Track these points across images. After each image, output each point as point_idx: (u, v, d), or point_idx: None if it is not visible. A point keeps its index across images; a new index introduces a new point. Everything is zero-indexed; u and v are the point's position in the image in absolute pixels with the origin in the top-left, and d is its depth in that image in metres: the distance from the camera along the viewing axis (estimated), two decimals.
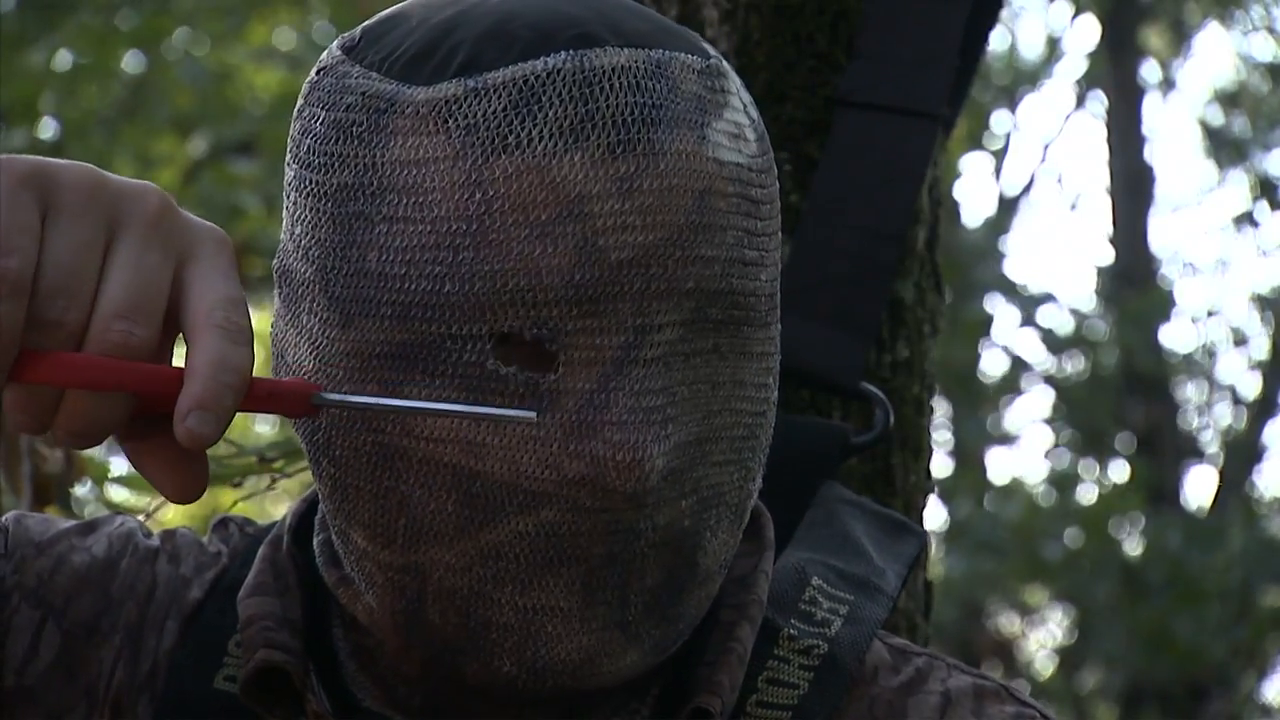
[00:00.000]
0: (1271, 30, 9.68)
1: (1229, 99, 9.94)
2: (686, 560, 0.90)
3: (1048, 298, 8.72)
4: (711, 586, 0.93)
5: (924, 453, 1.39)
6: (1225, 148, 9.85)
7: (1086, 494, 8.40)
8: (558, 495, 0.86)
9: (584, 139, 0.85)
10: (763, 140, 0.92)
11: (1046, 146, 11.08)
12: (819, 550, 1.05)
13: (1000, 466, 11.29)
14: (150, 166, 6.24)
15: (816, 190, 1.28)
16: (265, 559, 1.00)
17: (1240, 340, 9.38)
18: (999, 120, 9.70)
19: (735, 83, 0.92)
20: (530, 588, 0.88)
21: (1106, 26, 9.16)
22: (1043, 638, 8.89)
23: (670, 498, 0.88)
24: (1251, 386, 9.21)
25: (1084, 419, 8.91)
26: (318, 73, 0.92)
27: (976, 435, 8.65)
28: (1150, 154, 9.33)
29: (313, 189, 0.89)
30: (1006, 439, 9.16)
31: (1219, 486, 8.61)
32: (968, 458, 8.67)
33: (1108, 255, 9.40)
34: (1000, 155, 9.62)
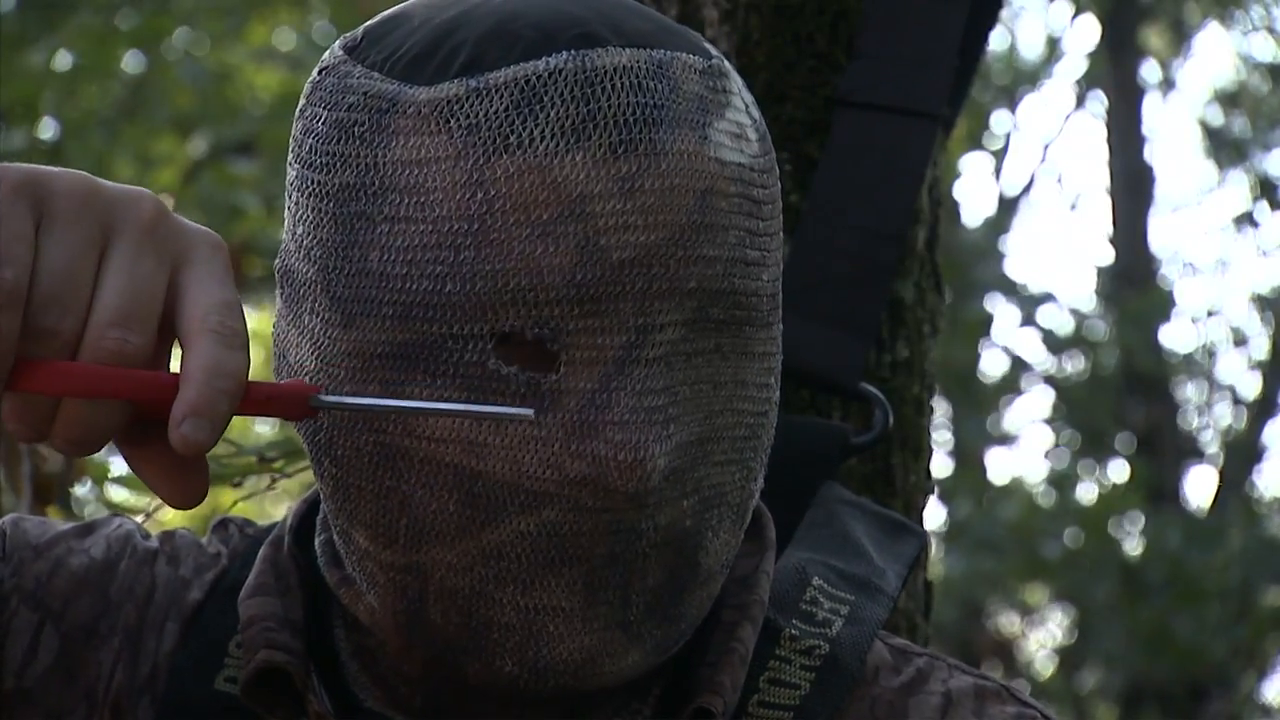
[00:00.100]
0: (1271, 30, 9.68)
1: (1229, 99, 9.94)
2: (688, 560, 0.90)
3: (1048, 297, 8.71)
4: (713, 586, 0.93)
5: (924, 453, 1.39)
6: (1225, 148, 9.85)
7: (1087, 494, 8.40)
8: (559, 495, 0.86)
9: (586, 139, 0.85)
10: (764, 140, 0.92)
11: (1046, 146, 11.08)
12: (819, 550, 1.05)
13: (1000, 466, 11.29)
14: (150, 166, 6.23)
15: (816, 190, 1.28)
16: (266, 560, 1.00)
17: (1240, 340, 9.38)
18: (999, 120, 9.70)
19: (737, 83, 0.92)
20: (532, 588, 0.88)
21: (1106, 26, 9.16)
22: (1043, 638, 8.89)
23: (672, 498, 0.88)
24: (1251, 386, 9.21)
25: (1084, 419, 8.91)
26: (320, 73, 0.92)
27: (976, 435, 8.64)
28: (1150, 154, 9.34)
29: (314, 189, 0.90)
30: (1006, 439, 9.16)
31: (1219, 486, 8.61)
32: (968, 458, 8.67)
33: (1108, 255, 9.41)
34: (1000, 155, 9.62)
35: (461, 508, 0.87)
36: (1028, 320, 8.66)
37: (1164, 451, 8.55)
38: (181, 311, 0.79)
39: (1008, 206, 9.48)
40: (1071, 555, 7.41)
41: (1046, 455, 9.17)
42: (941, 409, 8.29)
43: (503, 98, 0.86)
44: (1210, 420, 9.41)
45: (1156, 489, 8.16)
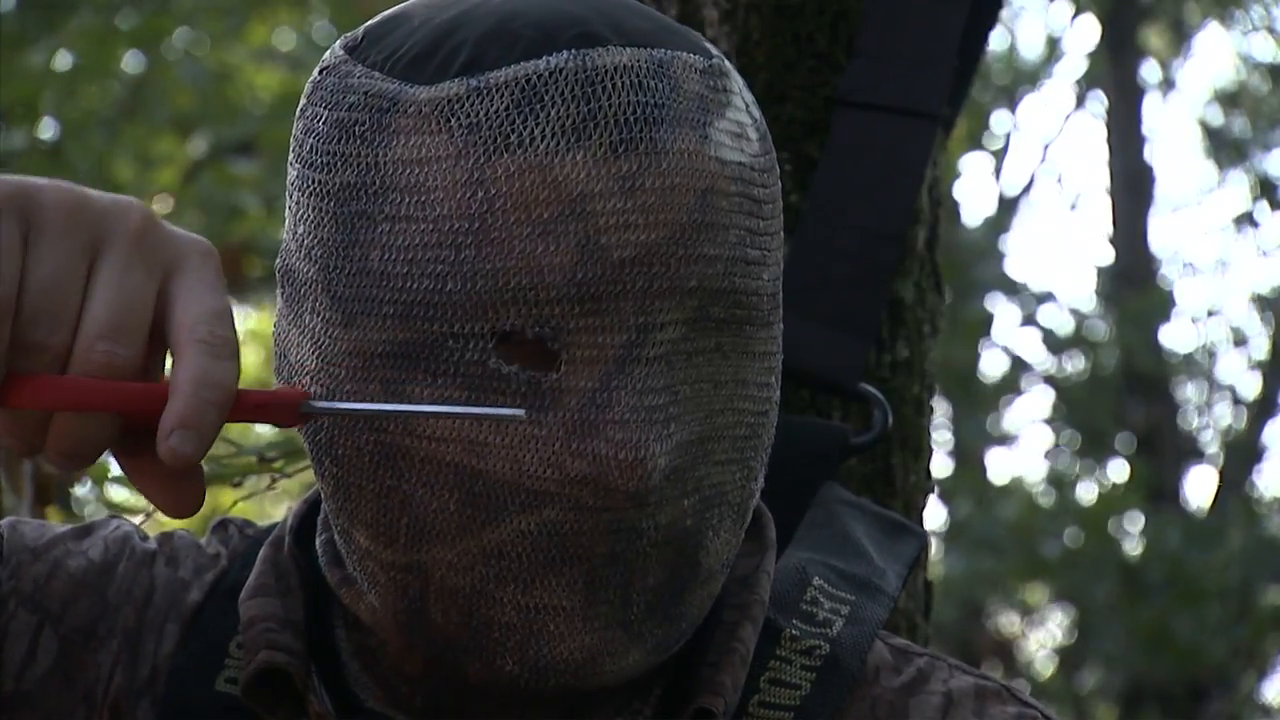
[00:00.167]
0: (1271, 30, 9.68)
1: (1229, 99, 9.94)
2: (689, 559, 0.90)
3: (1048, 297, 8.71)
4: (713, 586, 0.93)
5: (924, 453, 1.39)
6: (1225, 148, 9.85)
7: (1087, 494, 8.40)
8: (560, 494, 0.86)
9: (586, 138, 0.85)
10: (765, 140, 0.92)
11: (1046, 146, 11.07)
12: (819, 551, 1.05)
13: (1000, 466, 11.29)
14: (150, 166, 6.24)
15: (816, 190, 1.28)
16: (267, 560, 1.00)
17: (1240, 340, 9.38)
18: (999, 120, 9.70)
19: (738, 82, 0.92)
20: (532, 587, 0.88)
21: (1106, 26, 9.16)
22: (1043, 638, 8.89)
23: (672, 497, 0.88)
24: (1251, 386, 9.21)
25: (1084, 419, 8.90)
26: (320, 72, 0.92)
27: (976, 435, 8.64)
28: (1150, 154, 9.33)
29: (315, 188, 0.90)
30: (1006, 439, 9.16)
31: (1219, 486, 8.61)
32: (968, 458, 8.67)
33: (1108, 255, 9.40)
34: (1000, 155, 9.62)
35: (462, 507, 0.87)
36: (1028, 319, 8.66)
37: (1164, 451, 8.55)
38: (172, 321, 0.79)
39: (1008, 206, 9.48)
40: (1071, 555, 7.41)
41: (1046, 455, 9.17)
42: (941, 409, 8.29)
43: (503, 97, 0.86)
44: (1210, 420, 9.42)
45: (1156, 489, 8.16)
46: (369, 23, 0.94)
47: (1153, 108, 12.16)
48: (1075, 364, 9.08)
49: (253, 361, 8.01)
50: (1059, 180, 11.46)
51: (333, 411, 0.86)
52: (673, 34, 0.90)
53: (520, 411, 0.83)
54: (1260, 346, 9.30)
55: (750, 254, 0.90)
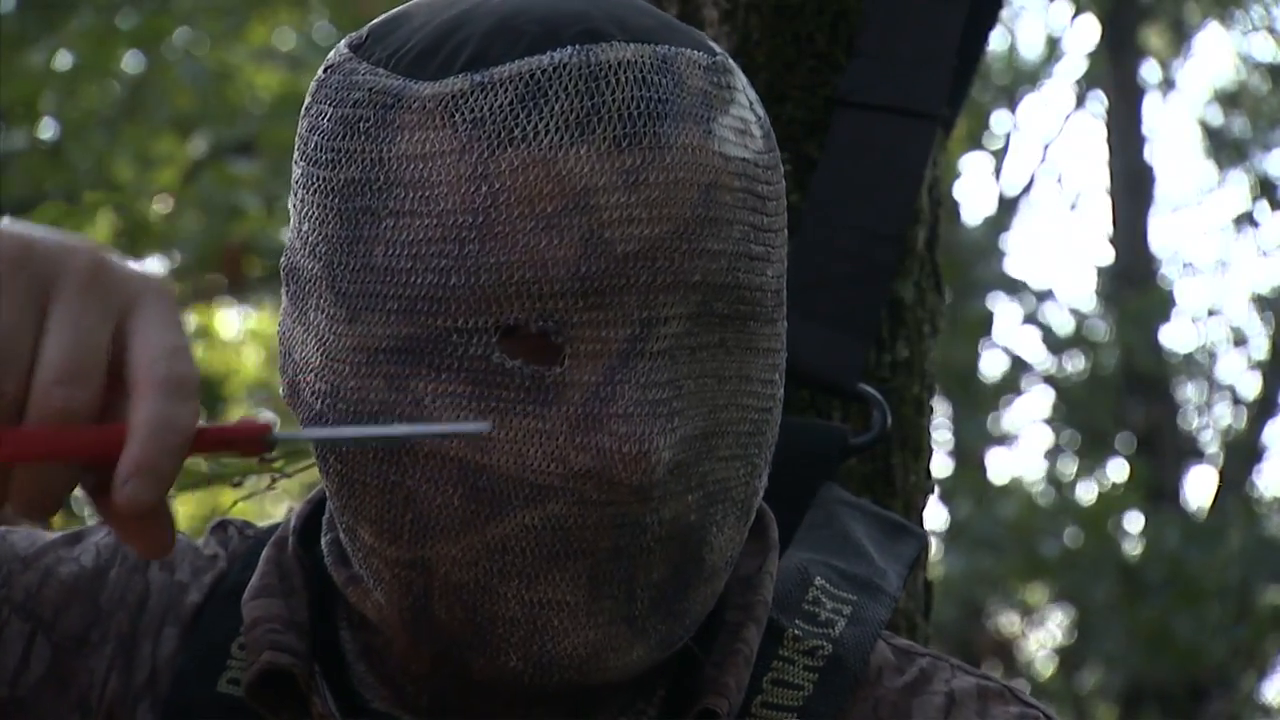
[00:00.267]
0: (1271, 30, 9.68)
1: (1229, 99, 9.94)
2: (693, 555, 0.90)
3: (1048, 295, 8.72)
4: (717, 583, 0.93)
5: (924, 453, 1.39)
6: (1225, 148, 9.85)
7: (1087, 493, 8.40)
8: (564, 488, 0.87)
9: (590, 132, 0.85)
10: (769, 138, 0.93)
11: (1046, 146, 11.08)
12: (820, 551, 1.05)
13: (1000, 466, 11.29)
14: (150, 166, 6.24)
15: (816, 190, 1.28)
16: (270, 560, 1.00)
17: (1240, 340, 9.38)
18: (999, 120, 9.70)
19: (741, 80, 0.92)
20: (536, 582, 0.88)
21: (1106, 26, 9.16)
22: (1043, 638, 8.89)
23: (676, 492, 0.88)
24: (1251, 386, 9.21)
25: (1084, 419, 8.90)
26: (325, 71, 0.92)
27: (976, 435, 8.65)
28: (1150, 154, 9.33)
29: (320, 185, 0.90)
30: (1006, 439, 9.16)
31: (1219, 486, 8.61)
32: (968, 458, 8.67)
33: (1108, 255, 9.40)
34: (1000, 155, 9.62)
35: (466, 502, 0.87)
36: (1030, 317, 8.66)
37: (1164, 451, 8.55)
38: (129, 361, 0.76)
39: (1008, 206, 9.48)
40: (1071, 555, 7.41)
41: (1046, 455, 9.17)
42: (941, 409, 8.29)
43: (507, 92, 0.86)
44: (1210, 420, 9.42)
45: (1156, 489, 8.16)
46: (373, 21, 0.94)
47: (1153, 108, 12.16)
48: (1075, 364, 9.08)
49: (253, 361, 8.01)
50: (1059, 180, 11.46)
51: (297, 440, 0.85)
52: (676, 31, 0.91)
53: (486, 425, 0.84)
54: (1260, 346, 9.30)
55: (754, 249, 0.90)
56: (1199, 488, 10.60)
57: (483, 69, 0.87)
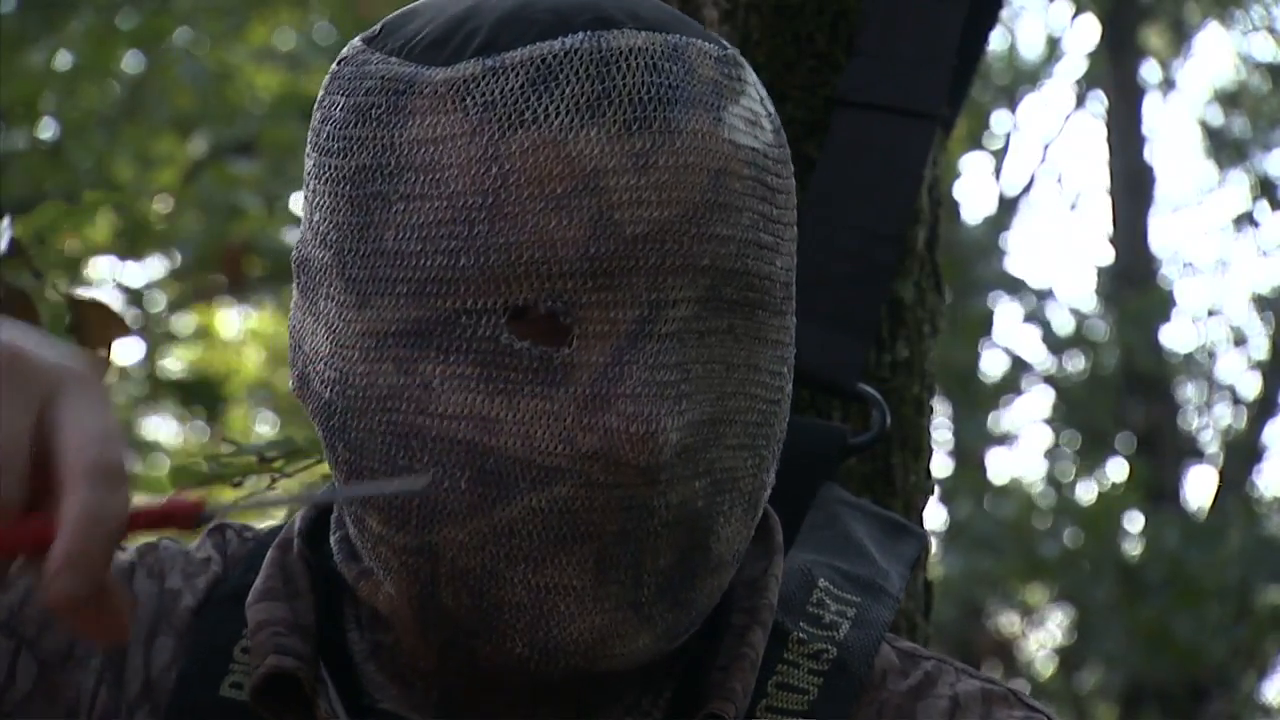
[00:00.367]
0: (1271, 30, 9.68)
1: (1229, 99, 9.93)
2: (699, 543, 0.90)
3: (1048, 295, 8.72)
4: (724, 576, 0.93)
5: (924, 453, 1.39)
6: (1225, 148, 9.84)
7: (1087, 493, 8.40)
8: (571, 470, 0.87)
9: (600, 115, 0.86)
10: (779, 134, 0.93)
11: (1046, 146, 11.07)
12: (823, 552, 1.05)
13: (1000, 466, 11.28)
14: (150, 166, 6.24)
15: (815, 190, 1.28)
16: (274, 563, 1.00)
17: (1240, 340, 9.38)
18: (999, 120, 9.69)
19: (752, 76, 0.93)
20: (543, 566, 0.88)
21: (1106, 26, 9.16)
22: (1043, 638, 8.89)
23: (684, 476, 0.89)
24: (1251, 386, 9.21)
25: (1084, 419, 8.90)
26: (339, 63, 0.93)
27: (976, 435, 8.64)
28: (1150, 154, 9.33)
29: (331, 174, 0.90)
30: (1006, 439, 9.16)
31: (1219, 486, 8.60)
32: (968, 458, 8.67)
33: (1108, 255, 9.40)
34: (1000, 155, 9.61)
35: (473, 485, 0.87)
36: (1031, 316, 8.66)
37: (1164, 451, 8.55)
38: (56, 451, 0.74)
39: (1008, 206, 9.47)
40: (1071, 555, 7.41)
41: (1046, 455, 9.17)
42: (941, 409, 8.29)
43: (518, 76, 0.87)
44: (1210, 420, 9.41)
45: (1156, 489, 8.16)
46: (387, 17, 0.95)
47: (1153, 108, 12.16)
48: (1075, 364, 9.08)
49: (253, 361, 8.01)
50: (1059, 180, 11.45)
51: (232, 510, 0.85)
52: (688, 25, 0.91)
53: (424, 479, 0.84)
54: (1260, 346, 9.30)
55: (764, 239, 0.90)
56: (1199, 488, 10.59)
57: (494, 54, 0.88)
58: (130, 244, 6.09)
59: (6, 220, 1.52)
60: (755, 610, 0.97)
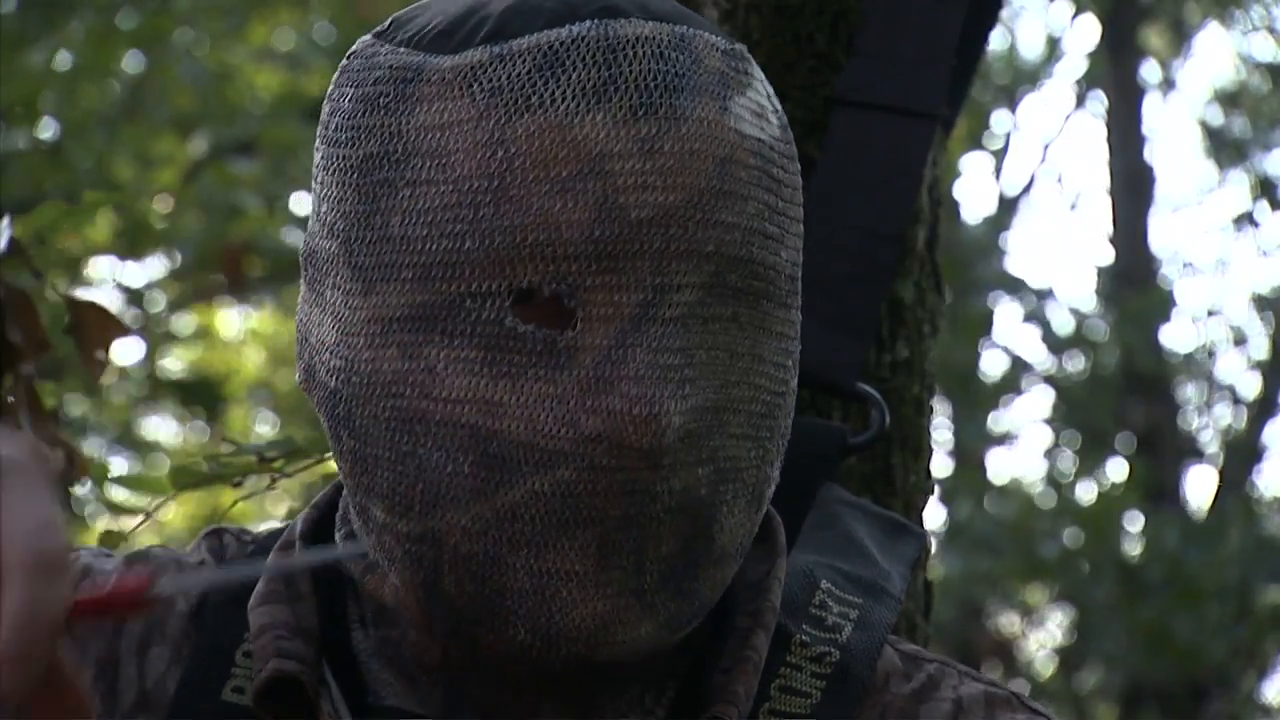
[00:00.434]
0: (1271, 30, 9.68)
1: (1229, 99, 9.93)
2: (702, 532, 0.90)
3: (1048, 295, 8.71)
4: (727, 569, 0.93)
5: (924, 453, 1.39)
6: (1225, 148, 9.84)
7: (1086, 494, 8.40)
8: (574, 453, 0.87)
9: (606, 100, 0.87)
10: (786, 131, 0.94)
11: (1046, 146, 11.06)
12: (824, 553, 1.05)
13: (1000, 466, 11.28)
14: (150, 166, 6.24)
15: (815, 190, 1.28)
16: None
17: (1240, 340, 9.37)
18: (999, 120, 9.69)
19: (759, 73, 0.93)
20: (545, 551, 0.88)
21: (1106, 26, 9.16)
22: (1042, 638, 8.88)
23: (687, 462, 0.89)
24: (1251, 386, 9.20)
25: (1084, 419, 8.90)
26: (348, 58, 0.94)
27: (976, 435, 8.64)
28: (1150, 154, 9.32)
29: (339, 164, 0.91)
30: (1006, 438, 9.16)
31: (1219, 486, 8.60)
32: (968, 458, 8.67)
33: (1108, 255, 9.40)
34: (1000, 155, 9.61)
35: (476, 469, 0.88)
36: (1032, 315, 8.66)
37: (1164, 451, 8.55)
38: None
39: (1008, 206, 9.47)
40: (1070, 555, 7.41)
41: (1046, 455, 9.17)
42: (941, 409, 8.29)
43: (525, 62, 0.87)
44: (1210, 420, 9.41)
45: (1156, 489, 8.16)
46: (397, 13, 0.96)
47: (1153, 108, 12.15)
48: (1075, 364, 9.07)
49: (253, 361, 8.01)
50: (1059, 180, 11.45)
51: (180, 588, 0.84)
52: (695, 19, 0.92)
53: (364, 547, 0.84)
54: (1260, 346, 9.29)
55: (769, 229, 0.91)
56: (1199, 488, 10.59)
57: (502, 42, 0.88)
58: (130, 244, 6.10)
59: (6, 220, 1.52)
60: (758, 613, 0.97)
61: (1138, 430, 8.70)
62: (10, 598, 0.70)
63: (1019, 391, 9.10)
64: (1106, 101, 9.48)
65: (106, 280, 6.74)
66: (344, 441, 0.92)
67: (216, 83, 6.14)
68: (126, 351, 6.88)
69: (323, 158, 0.93)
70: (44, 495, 0.73)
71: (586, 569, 0.88)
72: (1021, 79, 9.69)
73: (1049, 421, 9.16)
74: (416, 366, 0.88)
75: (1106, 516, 7.54)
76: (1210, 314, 9.50)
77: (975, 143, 9.20)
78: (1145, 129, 9.24)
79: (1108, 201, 9.26)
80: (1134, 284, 8.74)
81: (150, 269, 6.93)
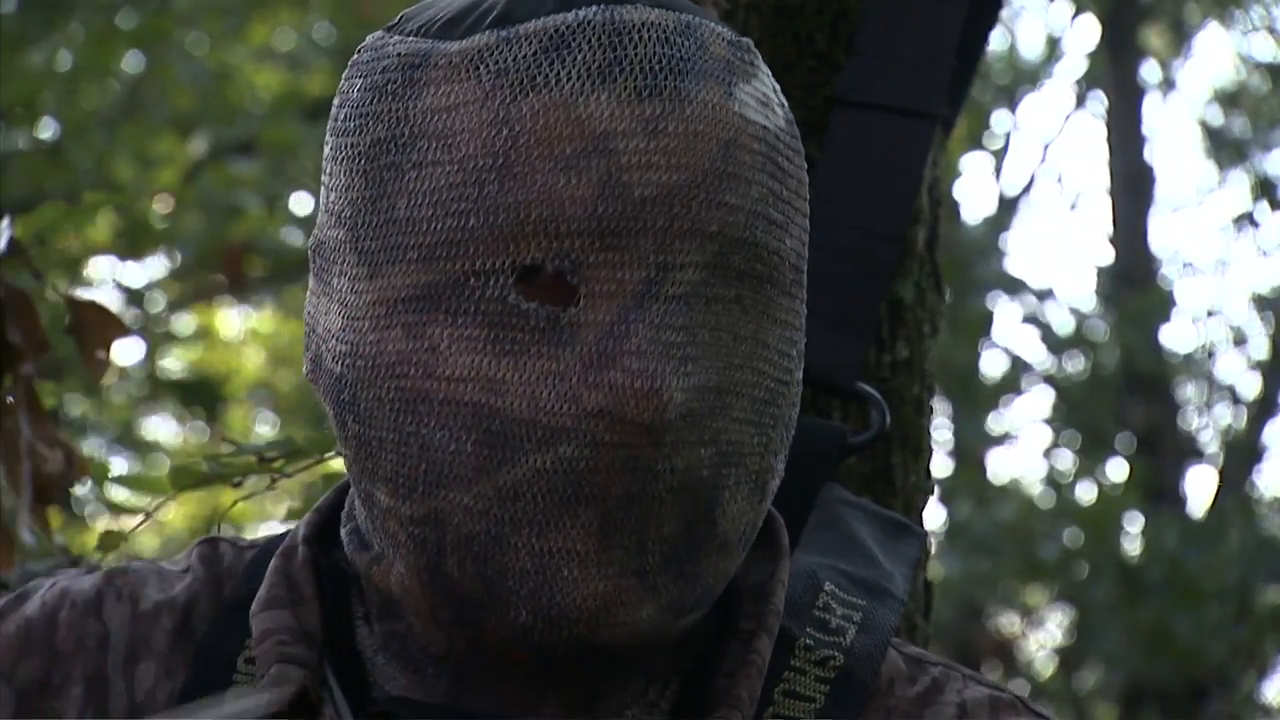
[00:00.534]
0: (1271, 30, 9.68)
1: (1229, 99, 9.93)
2: (705, 515, 0.90)
3: (1048, 294, 8.71)
4: (730, 559, 0.93)
5: (924, 453, 1.39)
6: (1225, 148, 9.84)
7: (1086, 494, 8.40)
8: (576, 430, 0.87)
9: (611, 81, 0.87)
10: (792, 125, 0.95)
11: (1046, 146, 11.05)
12: (827, 554, 1.05)
13: (1000, 466, 11.28)
14: (150, 166, 6.24)
15: (815, 189, 1.28)
16: (278, 571, 1.00)
17: (1240, 340, 9.37)
18: (999, 120, 9.69)
19: (765, 66, 0.94)
20: (547, 530, 0.88)
21: (1106, 26, 9.15)
22: (1042, 638, 8.88)
23: (689, 441, 0.89)
24: (1251, 386, 9.20)
25: (1084, 419, 8.90)
26: (358, 51, 0.95)
27: (976, 435, 8.64)
28: (1150, 154, 9.32)
29: (347, 153, 0.92)
30: (1006, 438, 9.16)
31: (1219, 486, 8.60)
32: (968, 458, 8.67)
33: (1108, 255, 9.40)
34: (1000, 155, 9.61)
35: (479, 447, 0.88)
36: (1031, 317, 8.66)
37: (1164, 452, 8.54)
38: None
39: (1008, 206, 9.47)
40: (1069, 555, 7.41)
41: (1046, 455, 9.17)
42: (941, 409, 8.28)
43: (531, 44, 0.88)
44: (1210, 420, 9.41)
45: (1156, 489, 8.16)
46: (407, 9, 0.97)
47: (1153, 108, 12.14)
48: (1075, 364, 9.07)
49: (253, 361, 8.01)
50: (1059, 180, 11.44)
51: None
52: (701, 12, 0.93)
53: (293, 689, 0.84)
54: (1260, 346, 9.29)
55: (773, 214, 0.91)
56: (1199, 488, 10.59)
57: (508, 26, 0.89)
58: (130, 244, 6.10)
59: (6, 220, 1.52)
60: (761, 616, 0.97)
61: (1138, 430, 8.70)
62: None
63: (1019, 391, 9.09)
64: (1106, 101, 9.48)
65: (106, 280, 6.74)
66: (349, 427, 0.92)
67: (216, 83, 6.14)
68: (126, 351, 6.88)
69: (331, 149, 0.94)
70: None
71: (588, 548, 0.88)
72: (1021, 79, 9.68)
73: (1049, 421, 9.16)
74: (420, 346, 0.89)
75: (1106, 517, 7.54)
76: (1210, 314, 9.50)
77: (975, 143, 9.20)
78: (1145, 129, 9.24)
79: (1108, 201, 9.26)
80: (1134, 284, 8.74)
81: (150, 269, 6.93)
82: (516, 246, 0.87)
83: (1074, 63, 10.19)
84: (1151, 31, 9.71)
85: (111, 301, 6.26)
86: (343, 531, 0.99)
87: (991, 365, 8.89)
